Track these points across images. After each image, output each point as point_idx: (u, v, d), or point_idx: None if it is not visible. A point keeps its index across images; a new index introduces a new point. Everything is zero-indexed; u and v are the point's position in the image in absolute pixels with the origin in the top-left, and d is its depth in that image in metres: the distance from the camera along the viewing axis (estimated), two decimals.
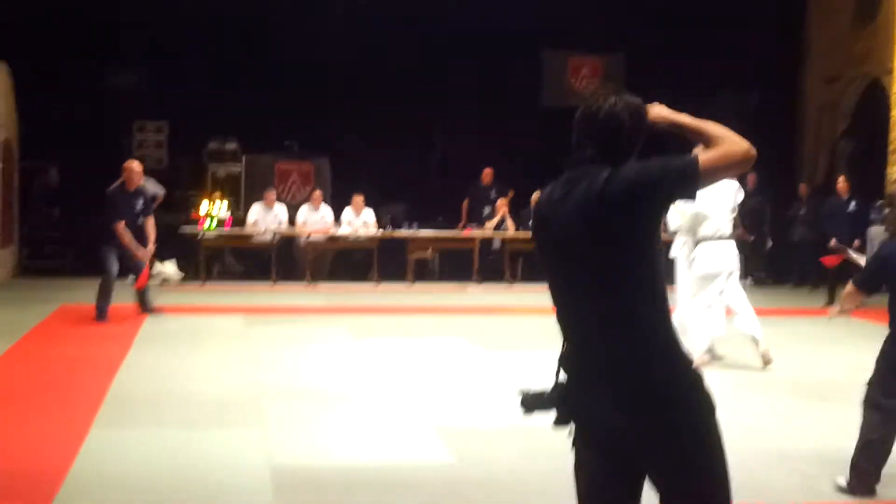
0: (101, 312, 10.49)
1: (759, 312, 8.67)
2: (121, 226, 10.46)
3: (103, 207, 10.68)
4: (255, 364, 8.29)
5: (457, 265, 15.53)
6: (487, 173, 16.34)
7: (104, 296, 10.52)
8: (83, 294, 11.58)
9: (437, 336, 9.92)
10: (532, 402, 2.90)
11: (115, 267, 10.58)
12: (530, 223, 2.95)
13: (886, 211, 15.14)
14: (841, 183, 13.78)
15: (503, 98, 17.22)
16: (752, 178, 16.79)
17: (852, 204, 13.66)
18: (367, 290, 14.25)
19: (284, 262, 15.16)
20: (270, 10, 16.57)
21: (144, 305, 10.93)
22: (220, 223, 15.05)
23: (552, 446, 5.60)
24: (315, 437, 6.01)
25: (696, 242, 8.32)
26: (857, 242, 13.53)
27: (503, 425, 6.34)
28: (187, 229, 14.70)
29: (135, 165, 10.93)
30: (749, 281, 16.24)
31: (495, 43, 16.99)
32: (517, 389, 2.96)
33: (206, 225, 14.94)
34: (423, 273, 15.52)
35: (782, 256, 16.61)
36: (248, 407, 6.73)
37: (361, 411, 6.70)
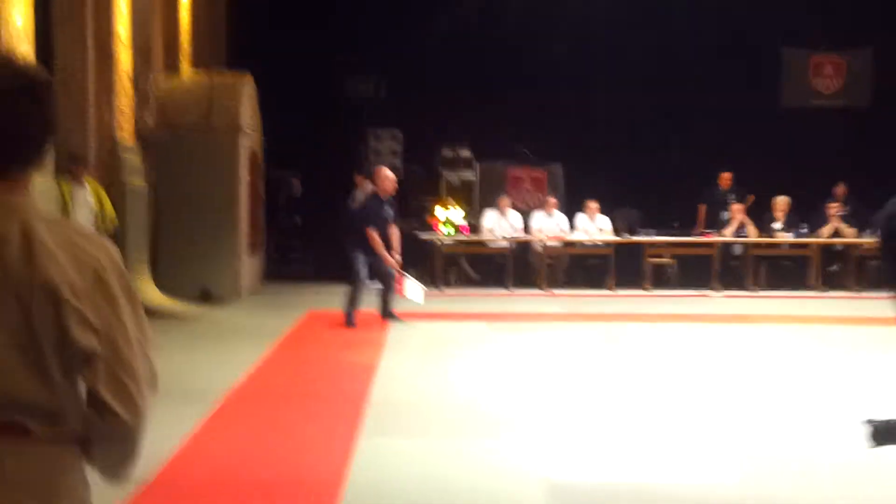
0: (350, 318, 10.69)
1: None
2: (374, 232, 10.62)
3: (352, 214, 10.89)
4: (508, 370, 8.24)
5: (694, 272, 15.07)
6: (726, 177, 15.80)
7: (353, 302, 10.71)
8: (328, 299, 11.93)
9: (682, 343, 9.62)
10: (884, 435, 2.57)
11: (365, 273, 10.76)
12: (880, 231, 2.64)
13: None
14: None
15: (742, 99, 16.61)
16: None
17: None
18: (604, 297, 14.00)
19: (519, 268, 15.11)
20: (504, 16, 16.59)
21: (387, 312, 11.06)
22: (457, 229, 15.15)
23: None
24: (591, 451, 5.84)
25: None
26: None
27: (811, 454, 5.94)
28: (424, 235, 14.89)
29: (388, 173, 11.08)
30: None
31: (734, 42, 16.42)
32: (862, 419, 2.65)
33: (443, 231, 15.07)
34: (660, 280, 15.14)
35: None
36: (515, 416, 6.65)
37: (634, 425, 6.48)
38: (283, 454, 5.73)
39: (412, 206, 16.10)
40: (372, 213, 10.88)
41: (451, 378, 7.98)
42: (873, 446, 2.51)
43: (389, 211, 10.94)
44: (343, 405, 6.98)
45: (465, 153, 16.78)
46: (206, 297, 12.30)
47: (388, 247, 10.82)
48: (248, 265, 13.51)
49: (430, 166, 17.13)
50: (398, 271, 11.01)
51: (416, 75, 16.77)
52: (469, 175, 16.78)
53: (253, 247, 13.88)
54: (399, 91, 17.16)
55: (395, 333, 10.28)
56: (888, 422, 2.50)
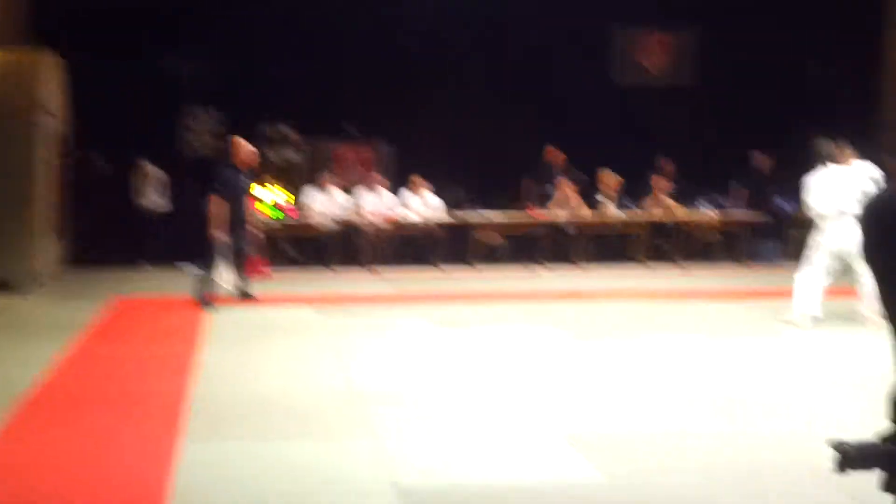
0: (204, 300, 10.15)
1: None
2: (218, 202, 10.20)
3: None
4: (341, 361, 7.62)
5: (524, 249, 14.82)
6: (554, 153, 15.62)
7: (207, 282, 10.21)
8: (139, 285, 11.08)
9: (524, 324, 9.23)
10: (855, 459, 2.08)
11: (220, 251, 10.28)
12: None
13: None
14: None
15: (570, 77, 16.43)
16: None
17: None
18: (434, 276, 13.56)
19: (345, 249, 14.52)
20: None
21: (243, 292, 10.67)
22: (279, 210, 14.41)
23: (709, 454, 5.23)
24: (436, 450, 5.33)
25: None
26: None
27: (642, 431, 5.65)
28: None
29: (246, 143, 10.76)
30: None
31: (565, 19, 16.18)
32: (827, 440, 2.16)
33: (267, 213, 14.33)
34: (490, 258, 14.82)
35: None
36: (352, 413, 6.08)
37: (477, 417, 6.01)
38: (94, 466, 5.00)
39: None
40: (224, 182, 10.33)
41: (278, 371, 7.32)
42: (843, 472, 2.03)
43: (246, 182, 10.50)
44: (160, 406, 6.24)
45: (288, 131, 16.01)
46: None
47: (244, 221, 10.50)
48: (48, 249, 12.43)
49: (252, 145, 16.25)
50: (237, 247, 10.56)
51: (235, 52, 15.85)
52: (293, 154, 16.03)
53: (55, 231, 12.82)
54: (217, 68, 16.18)
55: (214, 321, 9.52)
56: (860, 445, 2.03)
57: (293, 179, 15.72)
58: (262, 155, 15.72)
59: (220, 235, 10.28)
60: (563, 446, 5.36)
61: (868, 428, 2.27)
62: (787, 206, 16.57)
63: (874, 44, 17.87)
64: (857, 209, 8.76)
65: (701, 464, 5.05)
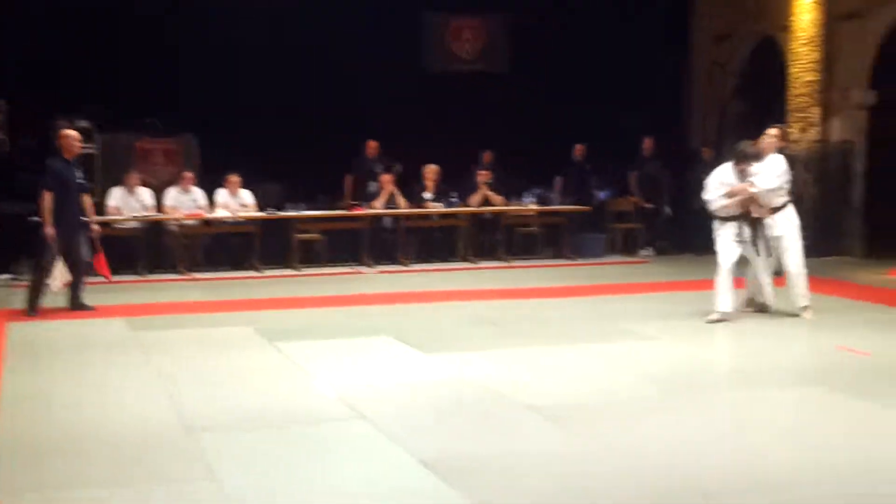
0: (32, 307, 9.57)
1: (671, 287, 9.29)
2: (49, 197, 9.57)
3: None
4: (164, 383, 6.79)
5: (345, 247, 14.19)
6: (372, 146, 15.06)
7: (39, 288, 9.57)
8: None
9: (363, 337, 8.57)
10: None
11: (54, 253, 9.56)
12: None
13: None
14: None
15: (384, 66, 15.86)
16: (648, 143, 16.05)
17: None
18: (252, 279, 12.76)
19: (152, 251, 13.52)
20: None
21: (76, 302, 9.94)
22: None
23: (573, 473, 4.63)
24: (280, 488, 4.66)
25: None
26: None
27: (503, 451, 5.15)
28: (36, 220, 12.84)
29: (72, 132, 10.02)
30: (650, 250, 15.54)
31: (375, 7, 15.60)
32: None
33: None
34: (309, 257, 14.11)
35: (683, 225, 15.88)
36: (183, 449, 5.31)
37: (323, 444, 5.38)
38: None
39: (23, 185, 13.95)
40: (54, 176, 9.62)
41: (92, 399, 6.43)
42: None
43: (78, 175, 9.80)
44: None
45: (84, 124, 14.76)
46: None
47: (81, 214, 9.84)
48: None
49: (45, 139, 14.95)
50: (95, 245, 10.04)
51: (22, 41, 14.54)
52: (89, 148, 14.79)
53: None
54: (8, 59, 14.78)
55: (10, 339, 8.48)
56: None
57: (91, 175, 14.51)
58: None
59: (52, 234, 9.54)
60: (419, 471, 4.82)
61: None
62: (603, 196, 16.59)
63: (683, 33, 18.13)
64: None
65: (563, 485, 4.60)
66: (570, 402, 6.23)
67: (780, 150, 10.51)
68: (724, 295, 9.07)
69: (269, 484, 4.72)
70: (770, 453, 5.15)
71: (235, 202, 13.77)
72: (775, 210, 9.23)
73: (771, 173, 9.17)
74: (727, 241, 9.18)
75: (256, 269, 13.33)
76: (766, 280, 9.40)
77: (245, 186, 13.90)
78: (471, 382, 6.77)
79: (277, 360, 7.64)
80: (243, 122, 15.05)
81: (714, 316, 9.06)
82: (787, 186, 9.32)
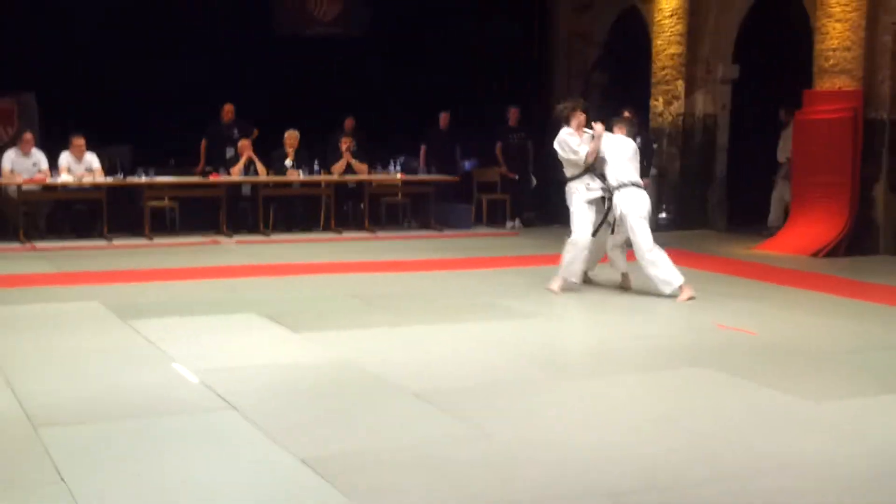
0: None
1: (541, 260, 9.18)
2: None
3: None
4: (2, 368, 6.07)
5: (200, 215, 13.46)
6: (228, 110, 14.38)
7: None
8: None
9: (226, 314, 7.99)
10: None
11: None
12: None
13: (655, 146, 14.59)
14: (627, 117, 12.73)
15: (235, 28, 15.12)
16: (513, 114, 15.79)
17: (637, 140, 12.68)
18: (100, 249, 11.94)
19: None
20: None
21: None
22: None
23: (462, 465, 4.65)
24: (139, 491, 4.11)
25: None
26: (645, 182, 12.69)
27: (386, 446, 4.71)
28: None
29: None
30: (517, 222, 15.31)
31: None
32: None
33: None
34: (161, 225, 13.33)
35: (549, 196, 15.70)
36: (27, 446, 4.66)
37: (188, 439, 4.84)
38: None
39: None
40: None
41: None
42: None
43: None
44: None
45: None
46: None
47: None
48: None
49: None
50: None
51: None
52: None
53: None
54: None
55: None
56: None
57: None
58: None
59: None
60: (299, 469, 4.36)
61: None
62: (468, 166, 16.27)
63: (543, 2, 17.91)
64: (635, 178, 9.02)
65: (452, 480, 4.21)
66: (454, 386, 5.83)
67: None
68: (573, 265, 9.03)
69: (127, 487, 4.16)
70: (661, 440, 4.86)
71: (80, 167, 12.88)
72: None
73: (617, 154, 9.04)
74: (582, 204, 9.03)
75: (105, 239, 12.51)
76: (615, 256, 9.26)
77: (91, 149, 13.00)
78: (347, 365, 6.30)
79: (132, 340, 6.99)
80: (88, 81, 14.11)
81: (554, 285, 9.03)
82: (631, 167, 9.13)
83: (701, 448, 4.76)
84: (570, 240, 9.08)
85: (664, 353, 6.81)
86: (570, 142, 9.07)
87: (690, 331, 7.64)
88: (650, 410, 5.43)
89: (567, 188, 9.16)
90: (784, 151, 13.89)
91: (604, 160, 9.02)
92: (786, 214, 13.44)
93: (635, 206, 8.92)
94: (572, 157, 9.02)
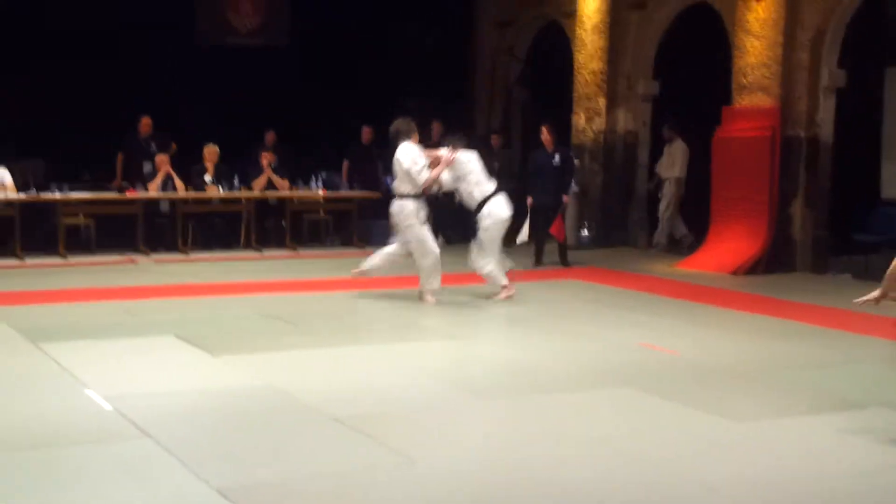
0: None
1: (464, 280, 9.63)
2: None
3: None
4: None
5: (116, 232, 13.13)
6: (145, 123, 14.09)
7: None
8: None
9: (141, 336, 7.77)
10: None
11: None
12: None
13: (577, 162, 14.66)
14: (545, 134, 12.76)
15: (156, 37, 14.85)
16: (436, 128, 15.72)
17: (556, 157, 12.75)
18: (12, 269, 11.58)
19: None
20: None
21: None
22: None
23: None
24: None
25: None
26: (566, 199, 12.75)
27: (307, 473, 4.58)
28: None
29: None
30: (439, 240, 15.21)
31: None
32: None
33: None
34: (76, 243, 12.99)
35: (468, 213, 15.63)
36: None
37: (103, 467, 4.65)
38: None
39: None
40: None
41: None
42: None
43: None
44: None
45: None
46: None
47: None
48: None
49: None
50: None
51: None
52: None
53: None
54: None
55: None
56: None
57: None
58: None
59: None
60: (216, 500, 4.23)
61: None
62: (390, 182, 16.14)
63: (469, 18, 17.94)
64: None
65: None
66: (377, 411, 5.72)
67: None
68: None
69: None
70: (589, 463, 4.81)
71: None
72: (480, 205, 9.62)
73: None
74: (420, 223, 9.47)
75: (17, 258, 12.14)
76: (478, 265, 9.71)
77: (1, 163, 12.62)
78: (267, 390, 6.15)
79: (42, 364, 6.75)
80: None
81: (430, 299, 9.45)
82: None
83: (627, 471, 4.73)
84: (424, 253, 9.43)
85: (588, 373, 6.78)
86: (420, 160, 9.32)
87: (614, 350, 7.62)
88: (577, 433, 5.38)
89: (401, 205, 9.35)
90: (668, 168, 14.40)
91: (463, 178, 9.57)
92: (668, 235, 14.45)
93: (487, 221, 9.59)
94: (417, 176, 9.27)
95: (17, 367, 6.67)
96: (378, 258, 9.85)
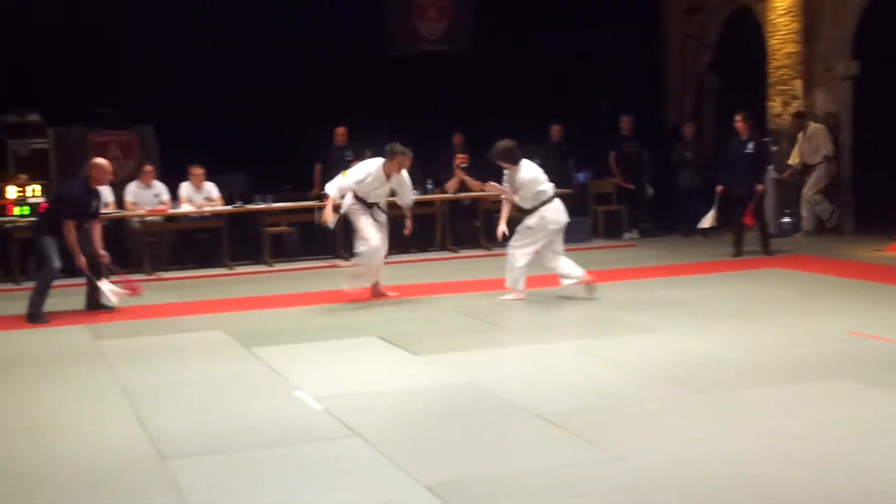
0: (37, 314, 9.18)
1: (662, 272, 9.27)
2: (71, 225, 9.31)
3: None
4: (130, 400, 6.16)
5: (316, 238, 13.56)
6: (341, 133, 14.45)
7: (42, 293, 9.27)
8: None
9: (348, 338, 8.00)
10: None
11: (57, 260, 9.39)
12: None
13: (774, 149, 14.18)
14: (739, 122, 12.42)
15: (348, 50, 15.26)
16: (627, 122, 15.56)
17: (750, 145, 12.38)
18: (222, 278, 12.12)
19: (115, 251, 12.81)
20: None
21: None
22: (34, 209, 12.50)
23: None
24: None
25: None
26: (760, 187, 12.34)
27: (518, 468, 4.58)
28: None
29: (105, 163, 9.79)
30: (634, 233, 15.06)
31: None
32: None
33: (16, 212, 12.46)
34: (280, 251, 13.49)
35: (666, 205, 15.41)
36: (154, 478, 4.69)
37: (317, 465, 4.80)
38: None
39: None
40: (74, 203, 9.43)
41: (50, 423, 5.80)
42: None
43: (94, 203, 9.59)
44: None
45: (34, 118, 14.04)
46: None
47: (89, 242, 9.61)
48: None
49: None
50: (89, 274, 9.61)
51: None
52: (41, 143, 14.06)
53: None
54: None
55: None
56: None
57: (42, 170, 13.76)
58: (5, 147, 13.78)
59: (83, 263, 9.47)
60: (426, 497, 4.29)
61: None
62: (582, 178, 16.08)
63: (655, 6, 17.65)
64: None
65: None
66: (579, 406, 5.70)
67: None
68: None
69: None
70: (801, 457, 4.64)
71: (200, 196, 13.14)
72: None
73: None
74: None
75: (226, 267, 12.71)
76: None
77: (209, 178, 13.25)
78: (469, 388, 6.21)
79: (255, 367, 7.04)
80: (204, 111, 14.35)
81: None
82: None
83: (843, 465, 4.54)
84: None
85: (795, 365, 6.55)
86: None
87: (821, 340, 7.33)
88: (789, 426, 5.20)
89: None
90: (812, 153, 14.05)
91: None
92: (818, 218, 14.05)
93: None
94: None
95: (232, 371, 6.97)
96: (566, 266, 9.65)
